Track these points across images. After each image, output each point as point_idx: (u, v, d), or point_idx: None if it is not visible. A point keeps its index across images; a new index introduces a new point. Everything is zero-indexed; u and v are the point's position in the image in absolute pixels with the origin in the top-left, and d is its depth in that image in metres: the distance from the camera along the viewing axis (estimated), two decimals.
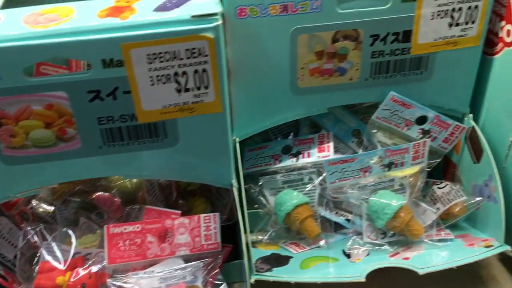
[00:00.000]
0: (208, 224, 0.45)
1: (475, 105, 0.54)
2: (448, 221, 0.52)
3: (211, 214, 0.46)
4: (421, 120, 0.52)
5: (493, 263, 0.53)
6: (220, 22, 0.37)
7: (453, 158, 0.56)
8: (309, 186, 0.52)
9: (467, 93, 0.52)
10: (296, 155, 0.54)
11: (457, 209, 0.51)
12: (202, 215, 0.45)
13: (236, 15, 0.43)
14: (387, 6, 0.44)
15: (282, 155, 0.54)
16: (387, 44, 0.47)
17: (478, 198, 0.51)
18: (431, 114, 0.51)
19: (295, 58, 0.46)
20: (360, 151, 0.53)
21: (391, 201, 0.48)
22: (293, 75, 0.47)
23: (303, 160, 0.53)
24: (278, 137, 0.58)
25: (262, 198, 0.54)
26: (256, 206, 0.54)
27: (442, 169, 0.59)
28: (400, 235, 0.50)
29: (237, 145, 0.50)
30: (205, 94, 0.39)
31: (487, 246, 0.47)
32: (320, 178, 0.52)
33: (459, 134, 0.53)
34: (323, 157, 0.53)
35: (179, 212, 0.46)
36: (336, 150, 0.55)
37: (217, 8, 0.37)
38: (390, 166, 0.50)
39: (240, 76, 0.47)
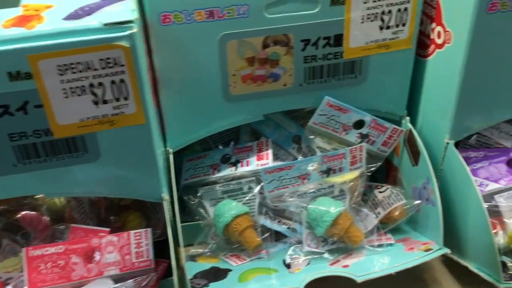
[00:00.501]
0: (139, 241, 0.43)
1: (412, 108, 0.53)
2: (389, 225, 0.52)
3: (142, 230, 0.44)
4: (359, 124, 0.51)
5: (435, 265, 0.53)
6: (135, 30, 0.35)
7: (394, 161, 0.56)
8: (248, 195, 0.51)
9: (403, 96, 0.51)
10: (235, 164, 0.52)
11: (396, 213, 0.50)
12: (132, 232, 0.43)
13: (160, 21, 0.41)
14: (316, 10, 0.44)
15: (221, 165, 0.53)
16: (319, 48, 0.46)
17: (417, 201, 0.50)
18: (368, 118, 0.51)
19: (226, 65, 0.45)
20: (300, 157, 0.53)
21: (330, 208, 0.48)
22: (225, 83, 0.46)
23: (242, 169, 0.52)
24: (219, 146, 0.57)
25: (201, 210, 0.52)
26: (197, 217, 0.53)
27: (385, 172, 0.59)
28: (340, 242, 0.49)
29: (171, 156, 0.48)
30: (125, 106, 0.37)
31: (427, 250, 0.47)
32: (259, 186, 0.50)
33: (397, 137, 0.52)
34: (261, 165, 0.51)
35: (108, 229, 0.43)
36: (276, 157, 0.54)
37: (132, 15, 0.35)
38: (328, 172, 0.49)
39: (169, 85, 0.45)
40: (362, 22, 0.45)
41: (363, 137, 0.52)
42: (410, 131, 0.51)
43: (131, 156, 0.41)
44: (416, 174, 0.51)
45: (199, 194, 0.52)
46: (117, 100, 0.37)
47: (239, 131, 0.57)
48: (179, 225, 0.44)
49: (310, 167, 0.49)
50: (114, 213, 0.48)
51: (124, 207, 0.50)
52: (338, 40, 0.46)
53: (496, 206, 0.48)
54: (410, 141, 0.52)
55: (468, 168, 0.46)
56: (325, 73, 0.48)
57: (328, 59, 0.47)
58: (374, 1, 0.44)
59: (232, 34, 0.43)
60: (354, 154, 0.49)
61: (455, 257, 0.50)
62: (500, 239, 0.47)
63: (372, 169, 0.53)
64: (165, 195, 0.44)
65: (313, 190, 0.50)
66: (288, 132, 0.55)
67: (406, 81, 0.50)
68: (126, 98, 0.37)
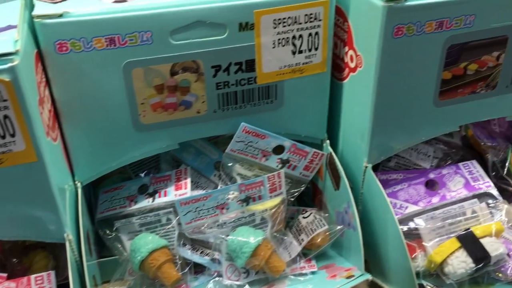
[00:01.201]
0: (41, 285, 0.40)
1: (333, 131, 0.53)
2: (313, 251, 0.51)
3: (45, 273, 0.40)
4: (279, 149, 0.50)
5: None
6: (16, 62, 0.32)
7: (319, 185, 0.55)
8: (167, 227, 0.49)
9: (322, 120, 0.51)
10: (153, 194, 0.50)
11: (319, 239, 0.49)
12: (33, 276, 0.40)
13: (56, 50, 0.39)
14: (224, 36, 0.42)
15: (138, 196, 0.50)
16: (231, 74, 0.45)
17: (339, 227, 0.49)
18: (287, 143, 0.50)
19: (133, 93, 0.43)
20: (220, 185, 0.51)
21: (249, 238, 0.46)
22: (134, 112, 0.44)
23: (159, 200, 0.49)
24: (139, 174, 0.55)
25: (118, 244, 0.49)
26: (116, 252, 0.50)
27: (312, 195, 0.58)
28: (262, 273, 0.48)
29: (79, 190, 0.45)
30: (13, 143, 0.35)
31: (349, 276, 0.46)
32: (178, 217, 0.49)
33: (319, 161, 0.52)
34: (180, 195, 0.49)
35: (5, 275, 0.40)
36: (197, 186, 0.52)
37: (13, 47, 0.32)
38: (247, 200, 0.48)
39: (72, 116, 0.42)
40: (274, 47, 0.44)
41: (284, 162, 0.51)
42: (331, 155, 0.51)
43: (26, 195, 0.38)
44: (338, 198, 0.50)
45: (115, 228, 0.49)
46: (3, 137, 0.34)
47: (159, 159, 0.55)
48: (85, 265, 0.41)
49: (228, 197, 0.47)
50: (17, 255, 0.45)
51: (31, 246, 0.47)
52: (251, 65, 0.45)
53: (416, 228, 0.48)
54: (331, 165, 0.51)
55: (384, 192, 0.46)
56: (240, 99, 0.46)
57: (242, 84, 0.46)
58: (284, 26, 0.43)
59: (136, 62, 0.41)
60: (273, 181, 0.48)
61: (379, 282, 0.50)
62: (420, 263, 0.47)
63: (295, 194, 0.52)
64: (69, 235, 0.41)
65: (233, 220, 0.48)
66: (210, 158, 0.53)
67: (324, 104, 0.50)
68: (12, 135, 0.34)
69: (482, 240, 0.45)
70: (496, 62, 0.46)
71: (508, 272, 0.45)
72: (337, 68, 0.50)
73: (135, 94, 0.43)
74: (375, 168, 0.53)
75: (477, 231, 0.46)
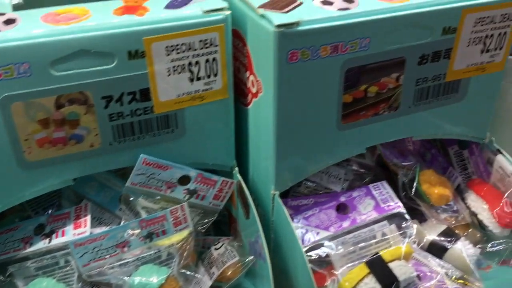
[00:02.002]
0: None
1: (243, 158, 0.52)
2: (225, 284, 0.48)
3: None
4: (185, 180, 0.48)
5: None
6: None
7: (233, 213, 0.53)
8: (66, 270, 0.46)
9: (229, 147, 0.49)
10: (49, 235, 0.46)
11: (229, 272, 0.47)
12: None
13: None
14: (113, 65, 0.40)
15: (33, 237, 0.46)
16: (125, 104, 0.42)
17: (249, 257, 0.48)
18: (192, 173, 0.47)
19: (14, 129, 0.39)
20: (123, 221, 0.48)
21: (152, 278, 0.43)
22: (17, 149, 0.40)
23: (56, 241, 0.46)
24: (39, 213, 0.51)
25: None
26: None
27: (228, 224, 0.56)
28: None
29: None
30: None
31: None
32: None
33: (229, 189, 0.50)
34: (79, 234, 0.46)
35: None
36: (100, 222, 0.49)
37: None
38: (150, 236, 0.45)
39: None
40: (169, 75, 0.42)
41: (191, 193, 0.48)
42: (239, 183, 0.49)
43: None
44: (249, 227, 0.49)
45: (8, 273, 0.45)
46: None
47: (61, 195, 0.51)
48: None
49: (128, 234, 0.44)
50: None
51: None
52: (146, 94, 0.42)
53: (327, 255, 0.47)
54: (241, 193, 0.50)
55: (291, 220, 0.45)
56: (137, 129, 0.44)
57: (138, 115, 0.43)
58: (178, 53, 0.42)
59: (14, 96, 0.38)
60: (176, 215, 0.45)
61: None
62: None
63: (206, 225, 0.50)
64: None
65: (137, 257, 0.45)
66: (115, 192, 0.50)
67: (230, 131, 0.48)
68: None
69: (391, 264, 0.45)
70: (396, 83, 0.46)
71: None
72: (242, 93, 0.48)
73: (17, 130, 0.39)
74: (287, 194, 0.52)
75: (386, 255, 0.45)
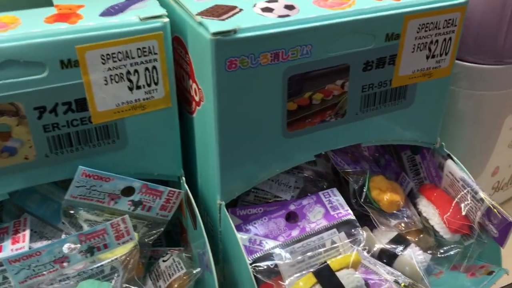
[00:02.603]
0: None
1: (192, 167, 0.50)
2: None
3: None
4: (129, 191, 0.47)
5: None
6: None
7: (183, 223, 0.52)
8: (4, 286, 0.44)
9: (175, 156, 0.48)
10: None
11: (176, 285, 0.46)
12: None
13: None
14: (45, 74, 0.38)
15: None
16: (60, 115, 0.41)
17: (197, 270, 0.46)
18: (136, 184, 0.46)
19: None
20: (63, 235, 0.46)
21: None
22: None
23: None
24: None
25: None
26: None
27: (180, 234, 0.55)
28: None
29: None
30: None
31: None
32: None
33: (176, 200, 0.48)
34: (16, 249, 0.44)
35: None
36: (41, 236, 0.47)
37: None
38: (91, 251, 0.44)
39: None
40: (106, 84, 0.41)
41: (136, 204, 0.47)
42: (186, 193, 0.48)
43: None
44: (197, 238, 0.48)
45: None
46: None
47: (2, 209, 0.49)
48: None
49: (67, 249, 0.43)
50: None
51: None
52: (82, 104, 0.41)
53: (275, 265, 0.46)
54: (189, 204, 0.49)
55: (236, 231, 0.44)
56: (75, 141, 0.42)
57: (74, 125, 0.42)
58: (115, 61, 0.40)
59: None
60: (118, 227, 0.44)
61: None
62: None
63: (153, 236, 0.49)
64: None
65: (78, 273, 0.44)
66: (58, 204, 0.48)
67: (175, 140, 0.47)
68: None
69: (338, 273, 0.44)
70: (342, 90, 0.45)
71: None
72: (187, 101, 0.47)
73: None
74: (236, 203, 0.51)
75: (334, 263, 0.45)
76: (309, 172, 0.55)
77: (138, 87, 0.42)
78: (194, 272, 0.46)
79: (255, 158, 0.45)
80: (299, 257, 0.46)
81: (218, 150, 0.43)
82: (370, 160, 0.59)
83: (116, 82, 0.41)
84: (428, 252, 0.50)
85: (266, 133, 0.44)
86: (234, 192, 0.46)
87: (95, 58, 0.40)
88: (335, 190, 0.51)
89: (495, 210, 0.47)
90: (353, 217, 0.48)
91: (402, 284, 0.46)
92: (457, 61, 0.52)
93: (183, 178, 0.49)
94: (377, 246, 0.49)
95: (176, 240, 0.56)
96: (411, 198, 0.55)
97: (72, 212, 0.45)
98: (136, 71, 0.42)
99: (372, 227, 0.51)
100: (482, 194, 0.48)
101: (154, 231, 0.49)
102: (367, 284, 0.46)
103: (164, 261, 0.49)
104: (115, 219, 0.44)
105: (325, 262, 0.45)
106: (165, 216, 0.49)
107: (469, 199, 0.49)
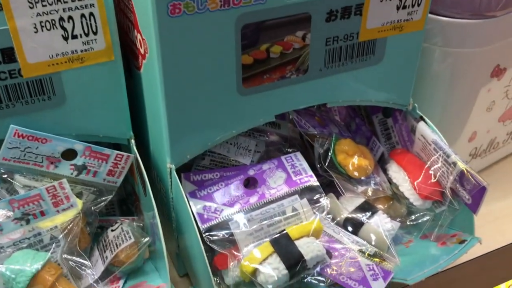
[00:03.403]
0: None
1: (143, 129, 0.46)
2: (121, 269, 0.44)
3: None
4: (71, 154, 0.43)
5: None
6: None
7: (136, 189, 0.48)
8: None
9: (123, 116, 0.43)
10: None
11: (123, 255, 0.43)
12: None
13: None
14: None
15: None
16: None
17: (145, 239, 0.43)
18: (79, 146, 0.42)
19: None
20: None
21: (25, 265, 0.38)
22: None
23: None
24: None
25: None
26: None
27: (133, 202, 0.51)
28: None
29: None
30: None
31: None
32: None
33: (125, 164, 0.45)
34: None
35: None
36: None
37: None
38: (27, 218, 0.40)
39: None
40: (37, 32, 0.36)
41: (80, 168, 0.43)
42: (136, 157, 0.44)
43: None
44: (147, 205, 0.44)
45: None
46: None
47: None
48: None
49: None
50: None
51: None
52: (10, 55, 0.37)
53: (231, 234, 0.43)
54: (138, 168, 0.45)
55: (185, 197, 0.40)
56: (4, 96, 0.38)
57: (2, 79, 0.37)
58: (45, 6, 0.36)
59: None
60: (55, 193, 0.40)
61: None
62: (234, 273, 0.42)
63: (101, 204, 0.45)
64: None
65: (14, 242, 0.40)
66: None
67: (122, 99, 0.42)
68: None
69: (297, 242, 0.41)
70: (303, 43, 0.41)
71: (328, 273, 0.41)
72: (134, 55, 0.43)
73: None
74: (189, 167, 0.47)
75: (293, 232, 0.41)
76: (273, 136, 0.52)
77: (74, 37, 0.38)
78: (144, 241, 0.43)
79: (208, 117, 0.41)
80: (257, 225, 0.43)
81: (165, 108, 0.39)
82: (340, 124, 0.55)
83: (48, 29, 0.37)
84: (397, 220, 0.47)
85: (219, 89, 0.40)
86: (186, 155, 0.42)
87: (21, 2, 0.35)
88: (298, 154, 0.47)
89: (468, 174, 0.44)
90: (317, 183, 0.45)
91: (367, 254, 0.43)
92: (431, 16, 0.47)
93: (133, 140, 0.45)
94: (342, 214, 0.46)
95: (131, 209, 0.52)
96: (381, 164, 0.51)
97: (5, 176, 0.41)
98: (70, 17, 0.37)
99: (338, 194, 0.48)
100: (454, 158, 0.45)
101: (102, 199, 0.46)
102: (329, 253, 0.43)
103: (112, 230, 0.45)
104: (50, 184, 0.40)
105: (284, 230, 0.42)
106: (114, 182, 0.45)
107: (441, 163, 0.46)
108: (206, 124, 0.41)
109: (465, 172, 0.44)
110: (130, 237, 0.43)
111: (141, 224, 0.46)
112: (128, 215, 0.50)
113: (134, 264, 0.44)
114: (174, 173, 0.42)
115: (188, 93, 0.39)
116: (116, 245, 0.43)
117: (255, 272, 0.40)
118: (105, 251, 0.44)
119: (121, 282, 0.43)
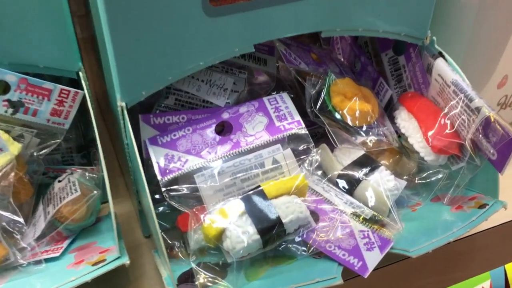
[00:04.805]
0: None
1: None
2: (69, 227, 0.37)
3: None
4: (4, 88, 0.35)
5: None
6: None
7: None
8: None
9: (68, 44, 0.35)
10: None
11: (66, 211, 0.36)
12: None
13: None
14: None
15: None
16: None
17: (93, 192, 0.36)
18: (12, 77, 0.34)
19: None
20: None
21: None
22: None
23: None
24: None
25: None
26: None
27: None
28: None
29: None
30: None
31: (99, 262, 0.33)
32: None
33: (73, 102, 0.37)
34: None
35: None
36: None
37: None
38: None
39: None
40: None
41: (15, 105, 0.35)
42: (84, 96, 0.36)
43: None
44: (98, 151, 0.37)
45: None
46: None
47: None
48: None
49: None
50: None
51: None
52: None
53: (196, 189, 0.35)
54: (86, 107, 0.37)
55: (134, 142, 0.32)
56: None
57: None
58: None
59: None
60: None
61: (157, 261, 0.37)
62: (197, 236, 0.34)
63: (46, 150, 0.38)
64: None
65: None
66: None
67: (65, 22, 0.34)
68: None
69: (275, 201, 0.33)
70: None
71: (312, 239, 0.34)
72: None
73: None
74: (150, 108, 0.39)
75: (270, 188, 0.33)
76: (261, 76, 0.43)
77: None
78: (91, 195, 0.36)
79: (166, 43, 0.32)
80: (228, 180, 0.35)
81: (109, 30, 0.31)
82: (342, 64, 0.47)
83: None
84: (404, 178, 0.39)
85: (180, 8, 0.31)
86: (140, 91, 0.34)
87: None
88: (285, 95, 0.38)
89: (495, 122, 0.35)
90: (305, 131, 0.37)
91: (361, 217, 0.35)
92: None
93: (84, 73, 0.37)
94: (336, 169, 0.38)
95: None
96: (389, 111, 0.43)
97: None
98: None
99: (332, 146, 0.40)
100: (478, 102, 0.35)
101: (48, 144, 0.39)
102: (315, 215, 0.35)
103: (59, 181, 0.38)
104: None
105: (259, 186, 0.34)
106: (61, 124, 0.38)
107: (461, 109, 0.37)
108: (164, 52, 0.33)
109: (492, 119, 0.35)
110: (76, 190, 0.36)
111: (96, 175, 0.39)
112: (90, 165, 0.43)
113: (83, 222, 0.37)
114: (126, 113, 0.34)
115: (140, 14, 0.31)
116: (60, 198, 0.36)
117: (220, 235, 0.33)
118: (48, 205, 0.37)
119: (66, 242, 0.36)
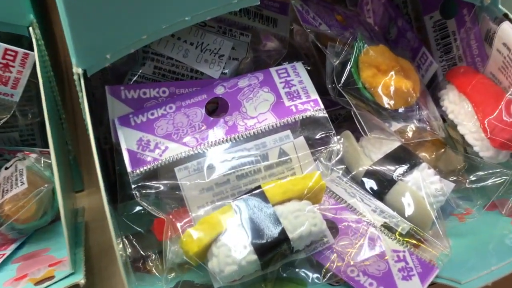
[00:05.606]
0: None
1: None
2: (17, 226, 0.29)
3: None
4: None
5: None
6: None
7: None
8: None
9: None
10: None
11: (7, 208, 0.28)
12: None
13: None
14: None
15: None
16: None
17: (44, 186, 0.28)
18: None
19: None
20: None
21: None
22: None
23: None
24: None
25: None
26: None
27: None
28: None
29: None
30: None
31: (46, 279, 0.25)
32: None
33: (22, 67, 0.28)
34: None
35: None
36: None
37: None
38: None
39: None
40: None
41: None
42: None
43: None
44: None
45: None
46: None
47: None
48: None
49: None
50: None
51: None
52: None
53: (178, 187, 0.27)
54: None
55: (89, 119, 0.24)
56: None
57: None
58: None
59: None
60: None
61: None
62: (175, 248, 0.26)
63: None
64: None
65: None
66: None
67: None
68: None
69: (280, 208, 0.25)
70: None
71: (328, 263, 0.25)
72: None
73: None
74: (121, 79, 0.30)
75: (273, 190, 0.25)
76: (270, 42, 0.34)
77: None
78: (40, 188, 0.28)
79: (115, 8, 0.24)
80: (220, 176, 0.27)
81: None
82: (373, 29, 0.37)
83: None
84: (451, 179, 0.30)
85: None
86: (103, 54, 0.25)
87: None
88: (298, 65, 0.29)
89: None
90: (324, 113, 0.28)
91: (397, 233, 0.27)
92: None
93: (37, 29, 0.29)
94: (363, 165, 0.29)
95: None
96: (432, 90, 0.34)
97: None
98: None
99: (359, 133, 0.31)
100: None
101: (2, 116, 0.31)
102: (334, 227, 0.27)
103: (6, 168, 0.30)
104: None
105: (259, 186, 0.26)
106: (8, 94, 0.30)
107: None
108: (126, 10, 0.24)
109: None
110: (22, 182, 0.28)
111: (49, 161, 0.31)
112: None
113: (33, 222, 0.29)
114: (82, 82, 0.25)
115: None
116: (3, 191, 0.29)
117: (205, 253, 0.25)
118: None
119: (11, 248, 0.29)
